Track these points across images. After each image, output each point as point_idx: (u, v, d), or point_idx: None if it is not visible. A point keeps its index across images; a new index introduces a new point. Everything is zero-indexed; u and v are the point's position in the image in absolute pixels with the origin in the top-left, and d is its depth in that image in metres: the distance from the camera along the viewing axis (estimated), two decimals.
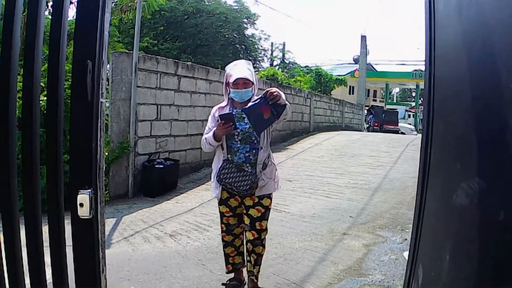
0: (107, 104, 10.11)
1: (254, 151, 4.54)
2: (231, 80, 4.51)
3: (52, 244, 1.83)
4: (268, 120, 4.40)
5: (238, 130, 4.51)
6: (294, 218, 8.24)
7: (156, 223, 7.94)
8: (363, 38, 43.81)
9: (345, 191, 10.84)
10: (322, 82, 32.38)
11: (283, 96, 4.41)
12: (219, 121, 4.38)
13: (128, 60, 10.34)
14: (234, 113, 4.54)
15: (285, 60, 43.78)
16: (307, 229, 7.57)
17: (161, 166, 10.63)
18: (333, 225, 7.84)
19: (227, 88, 4.70)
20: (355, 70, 52.15)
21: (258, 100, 4.34)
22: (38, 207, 1.81)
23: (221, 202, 4.75)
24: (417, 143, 20.69)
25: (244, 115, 4.45)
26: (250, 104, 4.40)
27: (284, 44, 45.09)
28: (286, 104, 4.42)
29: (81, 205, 1.72)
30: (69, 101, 1.66)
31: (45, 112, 1.79)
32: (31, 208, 1.81)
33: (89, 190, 1.74)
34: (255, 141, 4.55)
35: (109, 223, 7.88)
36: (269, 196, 4.71)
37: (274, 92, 4.30)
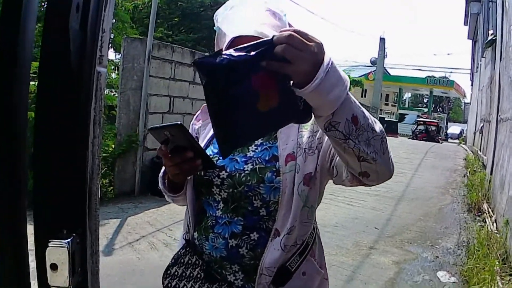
0: (115, 94, 9.68)
1: (254, 235, 1.69)
2: (225, 44, 1.67)
3: None
4: (266, 117, 1.24)
5: (223, 174, 1.73)
6: None
7: (164, 227, 7.42)
8: (382, 40, 43.07)
9: (367, 198, 10.40)
10: None
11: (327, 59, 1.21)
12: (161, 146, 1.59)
13: (141, 47, 9.79)
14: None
15: None
16: (330, 241, 7.00)
17: (158, 160, 9.93)
18: (358, 237, 7.36)
19: None
20: (369, 73, 51.94)
21: (259, 50, 1.17)
22: None
23: None
24: (435, 150, 20.56)
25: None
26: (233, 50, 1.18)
27: None
28: (344, 84, 1.25)
29: (53, 267, 0.91)
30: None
31: None
32: None
33: (68, 239, 0.92)
34: (261, 210, 1.70)
35: (112, 224, 7.44)
36: None
37: (296, 35, 1.17)
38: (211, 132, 1.83)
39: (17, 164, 1.01)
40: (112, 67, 14.95)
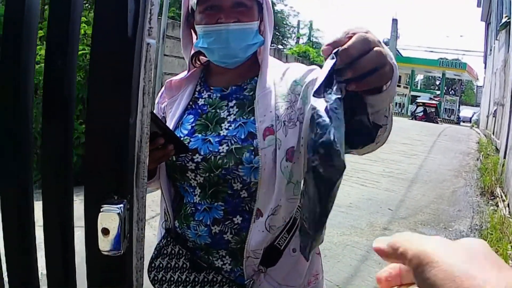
0: None
1: (237, 219, 1.57)
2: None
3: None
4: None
5: (198, 158, 1.57)
6: None
7: None
8: (394, 21, 42.76)
9: (381, 180, 10.35)
10: None
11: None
12: None
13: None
14: (198, 97, 1.74)
15: (311, 39, 43.02)
16: (344, 221, 7.01)
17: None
18: (372, 218, 7.34)
19: (189, 29, 1.76)
20: None
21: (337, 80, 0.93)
22: None
23: None
24: (448, 133, 20.47)
25: (223, 111, 1.65)
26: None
27: (311, 23, 44.29)
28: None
29: (105, 232, 0.93)
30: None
31: None
32: None
33: (121, 203, 0.94)
34: (242, 192, 1.56)
35: None
36: None
37: (364, 34, 0.95)
38: (179, 110, 1.72)
39: (65, 137, 1.04)
40: None
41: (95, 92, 0.94)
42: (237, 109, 1.61)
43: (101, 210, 0.91)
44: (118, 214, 0.91)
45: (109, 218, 0.91)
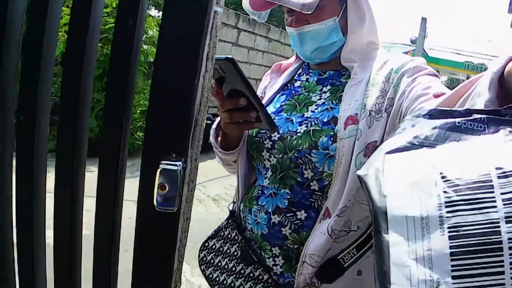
0: None
1: (301, 214, 1.41)
2: None
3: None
4: None
5: (275, 136, 1.48)
6: None
7: (199, 183, 7.34)
8: (423, 20, 42.25)
9: None
10: None
11: None
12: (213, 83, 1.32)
13: None
14: (296, 80, 1.66)
15: None
16: None
17: (209, 121, 9.81)
18: None
19: None
20: (407, 52, 50.92)
21: None
22: None
23: None
24: None
25: (315, 95, 1.54)
26: None
27: None
28: None
29: (162, 187, 0.96)
30: None
31: None
32: None
33: (179, 161, 0.97)
34: (313, 183, 1.41)
35: None
36: None
37: None
38: (276, 89, 1.64)
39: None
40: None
41: (164, 53, 0.98)
42: (329, 94, 1.50)
43: (160, 166, 0.95)
44: (176, 171, 0.95)
45: (168, 174, 0.95)
